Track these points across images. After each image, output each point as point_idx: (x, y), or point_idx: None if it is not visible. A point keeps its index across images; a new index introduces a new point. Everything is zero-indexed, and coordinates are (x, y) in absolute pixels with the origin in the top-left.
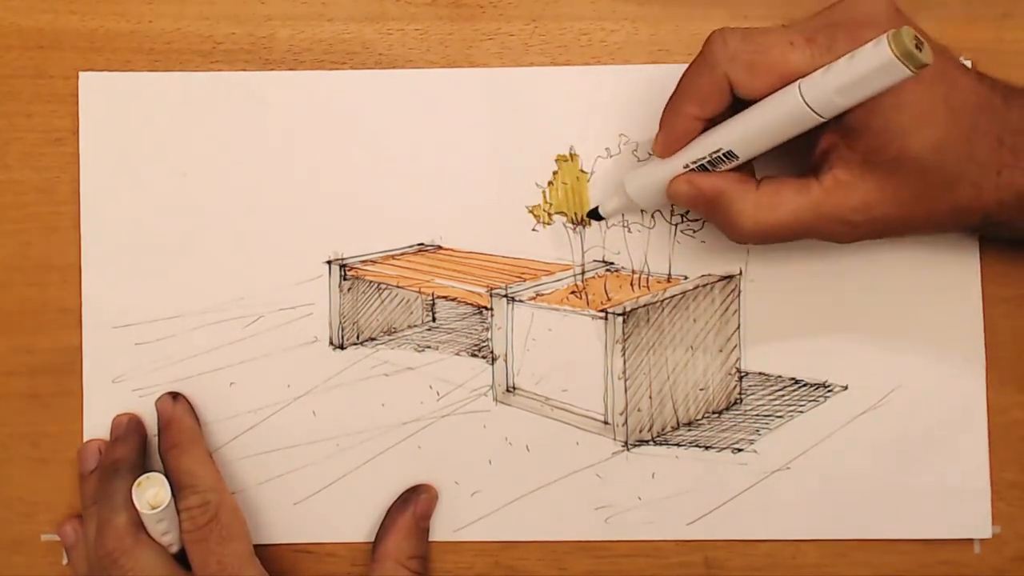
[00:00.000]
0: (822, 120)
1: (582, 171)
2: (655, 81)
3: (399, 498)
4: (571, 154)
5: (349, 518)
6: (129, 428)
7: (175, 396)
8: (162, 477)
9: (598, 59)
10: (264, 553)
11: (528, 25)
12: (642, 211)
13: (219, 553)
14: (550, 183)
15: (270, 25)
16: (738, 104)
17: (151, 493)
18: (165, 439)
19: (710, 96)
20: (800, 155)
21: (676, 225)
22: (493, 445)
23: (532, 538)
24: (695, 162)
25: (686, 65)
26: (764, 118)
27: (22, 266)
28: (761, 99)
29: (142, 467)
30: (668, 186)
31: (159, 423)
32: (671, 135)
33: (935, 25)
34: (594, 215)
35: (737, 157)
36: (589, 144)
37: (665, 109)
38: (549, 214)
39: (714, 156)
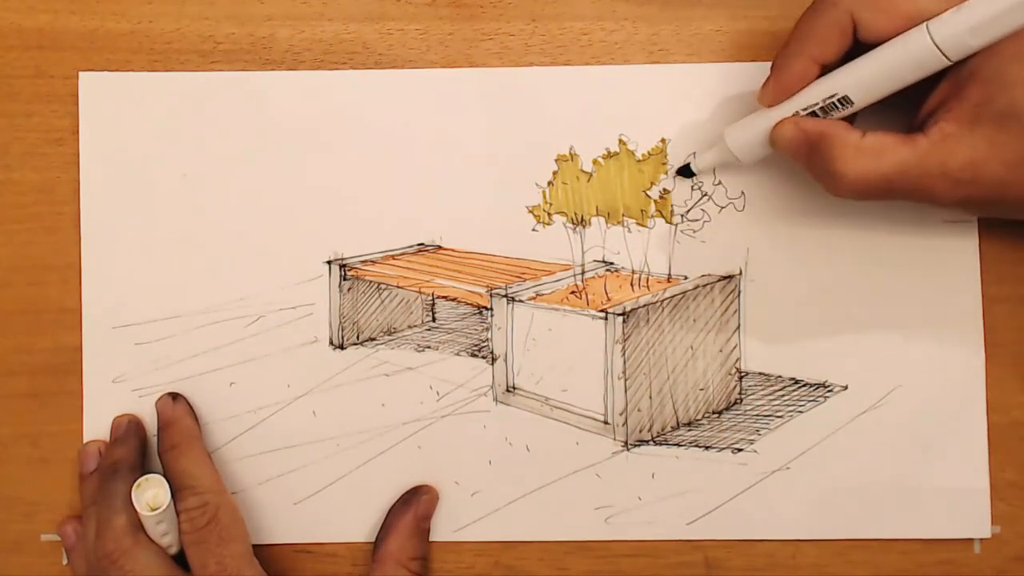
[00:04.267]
0: (948, 63)
1: (583, 170)
2: (655, 81)
3: (400, 499)
4: (571, 154)
5: (349, 518)
6: (128, 429)
7: (175, 397)
8: (161, 478)
9: (598, 59)
10: (264, 553)
11: (528, 25)
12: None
13: (218, 554)
14: (550, 183)
15: (270, 25)
16: (851, 53)
17: (150, 494)
18: (164, 440)
19: (831, 37)
20: (904, 116)
21: (676, 225)
22: (493, 445)
23: (532, 538)
24: (806, 109)
25: (685, 65)
26: (887, 60)
27: (22, 266)
28: (882, 43)
29: (142, 468)
30: (772, 130)
31: (159, 424)
32: (784, 79)
33: None
34: (685, 172)
35: (852, 103)
36: (589, 144)
37: (779, 54)
38: (549, 214)
39: (827, 102)
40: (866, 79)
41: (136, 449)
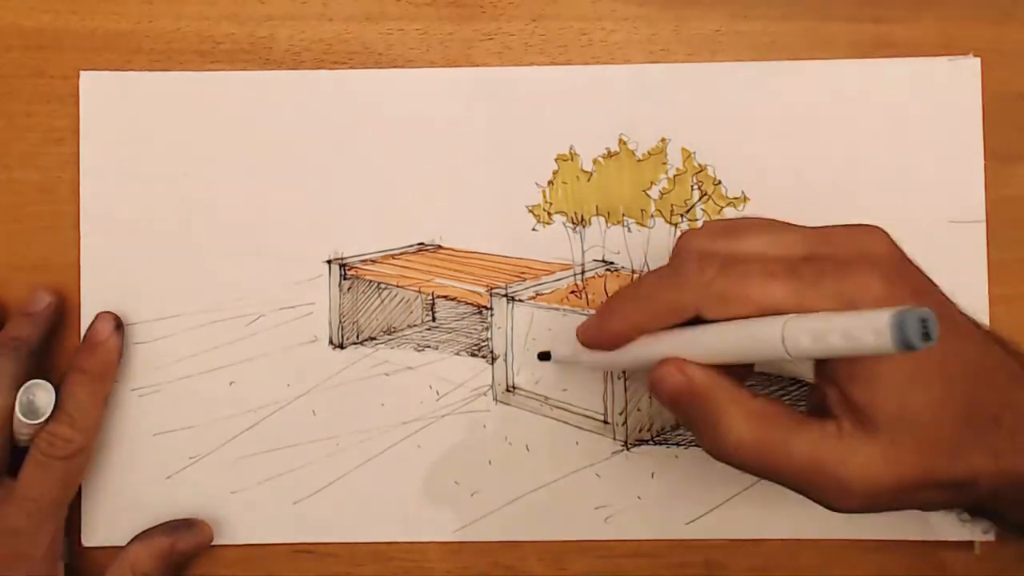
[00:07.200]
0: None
1: (583, 170)
2: (655, 81)
3: (170, 523)
4: (571, 154)
5: (349, 518)
6: (48, 309)
7: (119, 324)
8: (53, 391)
9: (598, 59)
10: (264, 553)
11: (528, 25)
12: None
13: (46, 487)
14: (550, 183)
15: (270, 25)
16: None
17: (38, 397)
18: (80, 358)
19: (667, 316)
20: None
21: (676, 225)
22: (493, 445)
23: (532, 538)
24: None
25: (686, 64)
26: (740, 345)
27: (22, 266)
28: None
29: (37, 354)
30: (655, 368)
31: (85, 337)
32: (607, 336)
33: (937, 25)
34: (544, 357)
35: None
36: (589, 144)
37: (611, 301)
38: (549, 214)
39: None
40: (721, 352)
41: (44, 334)
